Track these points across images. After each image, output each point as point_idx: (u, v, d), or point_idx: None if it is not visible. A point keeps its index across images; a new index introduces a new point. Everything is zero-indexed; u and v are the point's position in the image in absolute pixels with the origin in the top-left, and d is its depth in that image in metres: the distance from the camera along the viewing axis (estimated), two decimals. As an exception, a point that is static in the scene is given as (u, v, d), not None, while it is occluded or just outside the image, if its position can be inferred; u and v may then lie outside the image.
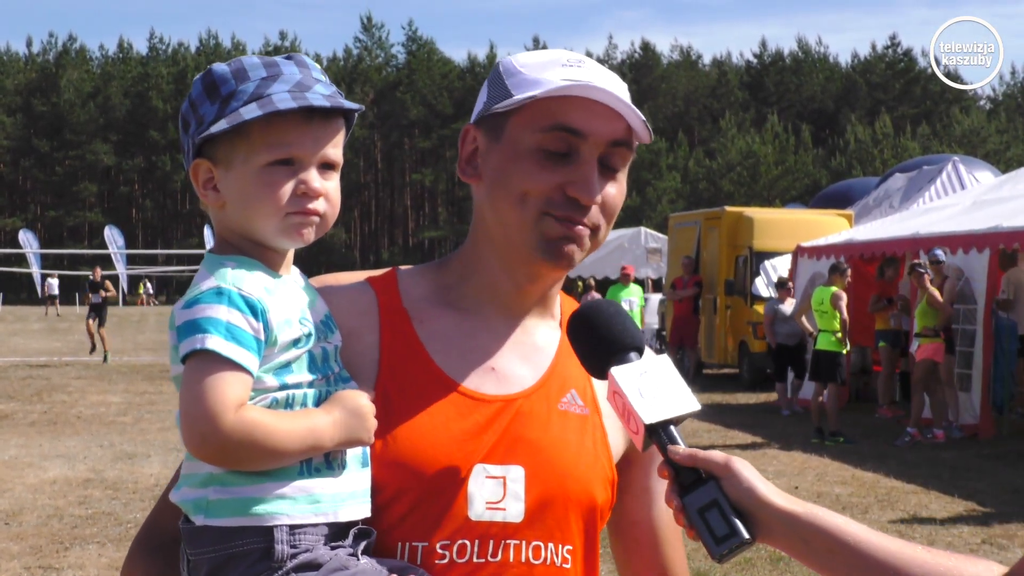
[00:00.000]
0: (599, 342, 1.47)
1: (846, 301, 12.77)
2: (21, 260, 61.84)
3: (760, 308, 18.29)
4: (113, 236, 58.97)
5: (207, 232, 56.51)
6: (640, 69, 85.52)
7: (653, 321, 23.88)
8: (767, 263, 18.83)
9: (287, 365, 1.42)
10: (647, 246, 32.56)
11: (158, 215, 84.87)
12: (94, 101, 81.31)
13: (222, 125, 1.40)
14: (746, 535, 1.35)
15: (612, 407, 1.46)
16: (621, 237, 32.66)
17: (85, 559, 7.39)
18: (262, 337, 1.38)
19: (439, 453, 1.49)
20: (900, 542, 1.35)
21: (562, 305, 1.69)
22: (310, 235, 1.45)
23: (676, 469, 1.39)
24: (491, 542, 1.49)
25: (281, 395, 1.41)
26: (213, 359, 1.34)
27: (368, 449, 1.47)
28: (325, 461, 1.42)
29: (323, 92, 1.44)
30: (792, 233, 18.04)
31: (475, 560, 1.48)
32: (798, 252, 16.52)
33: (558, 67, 1.52)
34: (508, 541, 1.49)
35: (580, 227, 1.51)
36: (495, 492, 1.50)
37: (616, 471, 1.63)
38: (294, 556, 1.38)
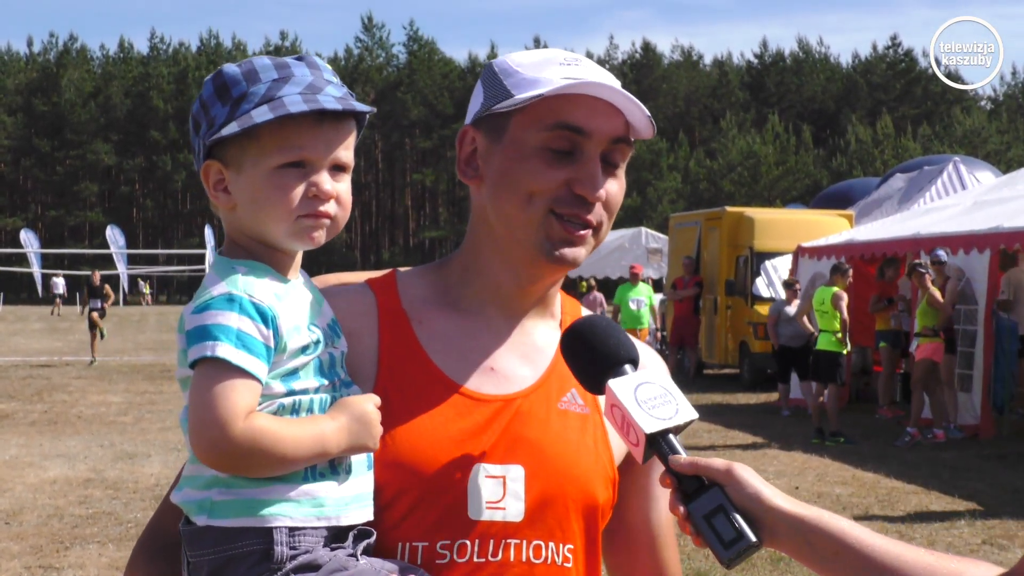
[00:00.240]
0: (594, 357, 1.48)
1: (847, 301, 12.77)
2: (22, 260, 61.85)
3: (760, 308, 18.30)
4: (115, 236, 58.98)
5: (208, 232, 56.53)
6: (641, 69, 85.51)
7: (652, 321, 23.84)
8: (768, 263, 18.83)
9: (295, 371, 1.42)
10: (648, 246, 32.57)
11: (159, 215, 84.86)
12: (95, 101, 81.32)
13: (233, 128, 1.40)
14: (753, 538, 1.35)
15: (610, 421, 1.46)
16: (622, 237, 32.68)
17: (85, 559, 7.39)
18: (272, 344, 1.38)
19: (439, 453, 1.49)
20: (904, 545, 1.35)
21: (562, 304, 1.69)
22: (321, 238, 1.45)
23: (678, 477, 1.39)
24: (491, 542, 1.49)
25: (288, 401, 1.41)
26: (223, 367, 1.35)
27: (372, 454, 1.47)
28: (330, 466, 1.42)
29: (335, 94, 1.43)
30: (793, 233, 18.04)
31: (475, 560, 1.48)
32: (799, 252, 16.52)
33: (555, 66, 1.53)
34: (509, 541, 1.50)
35: (583, 229, 1.52)
36: (495, 492, 1.50)
37: (618, 472, 1.63)
38: (293, 557, 1.38)
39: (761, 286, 18.77)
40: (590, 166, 1.50)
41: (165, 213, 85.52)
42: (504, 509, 1.50)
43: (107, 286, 23.69)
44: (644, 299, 18.31)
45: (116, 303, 49.28)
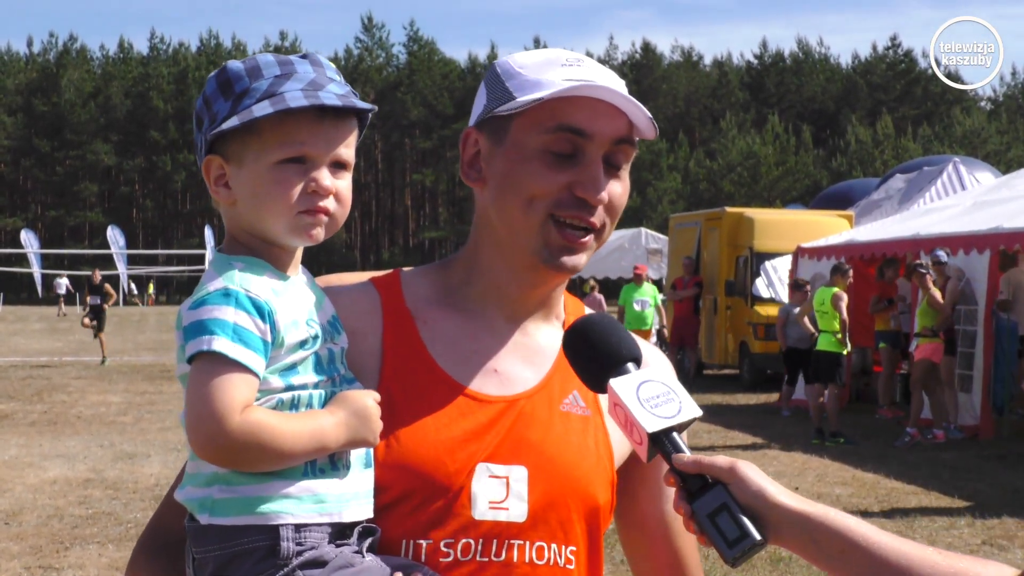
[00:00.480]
0: (596, 356, 1.47)
1: (847, 302, 12.77)
2: (22, 260, 61.85)
3: (760, 309, 18.31)
4: (115, 236, 58.99)
5: (208, 232, 56.53)
6: (641, 69, 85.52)
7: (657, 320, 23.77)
8: (767, 264, 18.84)
9: (293, 366, 1.42)
10: (648, 247, 32.58)
11: (158, 215, 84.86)
12: (95, 101, 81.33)
13: (234, 122, 1.40)
14: (758, 536, 1.34)
15: (614, 420, 1.45)
16: (622, 238, 32.67)
17: (85, 559, 7.39)
18: (269, 339, 1.39)
19: (442, 453, 1.49)
20: (911, 543, 1.34)
21: (566, 305, 1.69)
22: (320, 234, 1.45)
23: (682, 476, 1.39)
24: (495, 542, 1.49)
25: (287, 396, 1.41)
26: (220, 360, 1.35)
27: (371, 450, 1.47)
28: (330, 462, 1.42)
29: (336, 91, 1.44)
30: (792, 234, 18.03)
31: (479, 559, 1.48)
32: (799, 253, 16.52)
33: (558, 67, 1.52)
34: (512, 541, 1.50)
35: (584, 235, 1.51)
36: (498, 492, 1.50)
37: (616, 473, 1.63)
38: (300, 554, 1.38)
39: (761, 286, 18.77)
40: (592, 168, 1.50)
41: (165, 213, 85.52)
42: (507, 510, 1.50)
43: (107, 285, 23.67)
44: (648, 299, 18.12)
45: (116, 303, 49.24)
